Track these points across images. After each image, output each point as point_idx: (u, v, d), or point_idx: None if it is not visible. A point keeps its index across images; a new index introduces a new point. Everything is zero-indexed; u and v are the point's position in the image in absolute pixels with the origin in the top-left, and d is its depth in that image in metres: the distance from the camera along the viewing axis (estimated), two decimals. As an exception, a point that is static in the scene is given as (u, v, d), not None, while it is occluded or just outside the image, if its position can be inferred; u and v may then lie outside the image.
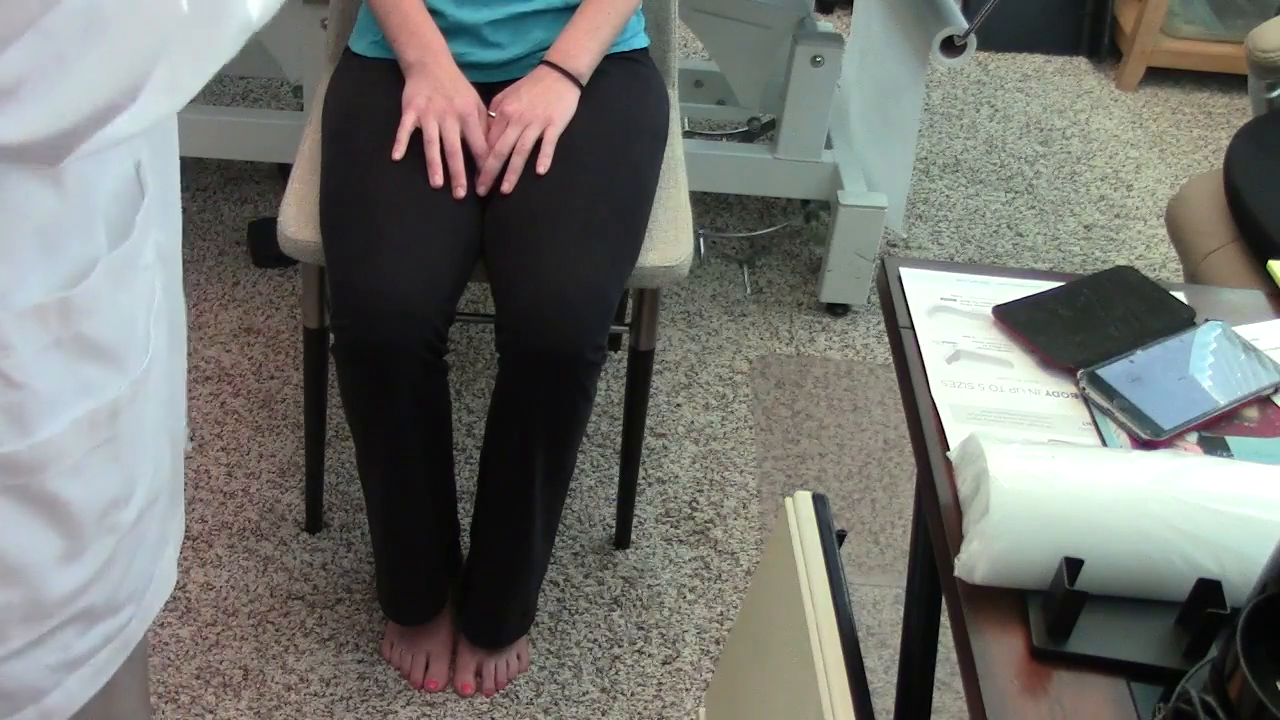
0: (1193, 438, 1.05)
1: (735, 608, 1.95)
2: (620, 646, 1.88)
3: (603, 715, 1.79)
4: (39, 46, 0.61)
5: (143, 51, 0.66)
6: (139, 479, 0.89)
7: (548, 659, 1.86)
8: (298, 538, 1.98)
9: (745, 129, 2.75)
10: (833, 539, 1.22)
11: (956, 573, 0.91)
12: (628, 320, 1.84)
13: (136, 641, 0.95)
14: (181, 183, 0.95)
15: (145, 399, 0.87)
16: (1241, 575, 0.86)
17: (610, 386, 2.29)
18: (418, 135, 1.60)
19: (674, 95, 1.93)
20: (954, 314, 1.15)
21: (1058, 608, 0.87)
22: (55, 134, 0.65)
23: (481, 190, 1.61)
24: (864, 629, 1.92)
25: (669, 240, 1.70)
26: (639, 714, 1.80)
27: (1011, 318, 1.13)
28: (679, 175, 1.81)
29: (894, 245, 2.71)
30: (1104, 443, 1.03)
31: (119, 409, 0.84)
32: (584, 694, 1.82)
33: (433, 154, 1.58)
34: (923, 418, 1.05)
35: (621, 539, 2.02)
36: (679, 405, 2.28)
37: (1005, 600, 0.90)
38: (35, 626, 0.83)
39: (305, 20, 2.24)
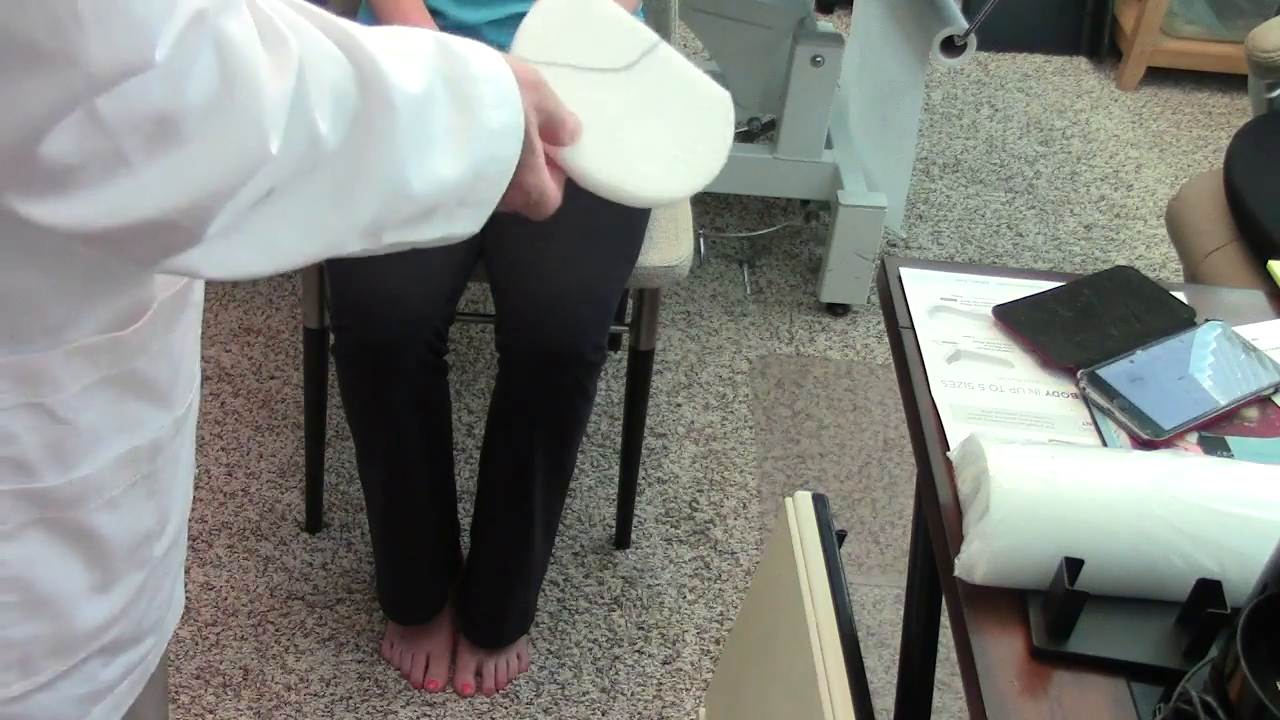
0: (1193, 438, 1.05)
1: (735, 608, 1.95)
2: (620, 646, 1.88)
3: (603, 715, 1.79)
4: (90, 137, 0.60)
5: (213, 178, 0.64)
6: (171, 513, 0.88)
7: (548, 659, 1.86)
8: (298, 538, 1.98)
9: (745, 129, 2.74)
10: (833, 539, 1.22)
11: (956, 573, 0.91)
12: (628, 320, 1.84)
13: (154, 668, 0.95)
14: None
15: (184, 435, 0.87)
16: (1241, 575, 0.86)
17: (610, 386, 2.29)
18: (418, 135, 1.60)
19: (674, 95, 1.92)
20: (954, 314, 1.15)
21: (1058, 608, 0.87)
22: (105, 230, 0.63)
23: (481, 190, 1.61)
24: (864, 629, 1.92)
25: (669, 240, 1.70)
26: (639, 714, 1.80)
27: (1011, 318, 1.13)
28: (679, 175, 1.80)
29: (894, 245, 2.71)
30: (1104, 443, 1.03)
31: (160, 446, 0.83)
32: (584, 694, 1.82)
33: (433, 154, 1.58)
34: (923, 418, 1.05)
35: (621, 539, 2.02)
36: (679, 405, 2.28)
37: (1005, 600, 0.90)
38: (64, 659, 0.83)
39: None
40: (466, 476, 2.06)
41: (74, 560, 0.80)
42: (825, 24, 2.54)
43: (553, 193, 0.88)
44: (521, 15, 1.68)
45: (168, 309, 0.80)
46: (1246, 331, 1.14)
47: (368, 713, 1.77)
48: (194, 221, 0.65)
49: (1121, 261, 2.71)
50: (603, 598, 1.94)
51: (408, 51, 0.74)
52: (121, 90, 0.59)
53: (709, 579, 1.99)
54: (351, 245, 0.75)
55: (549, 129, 0.87)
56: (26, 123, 0.59)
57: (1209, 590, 0.86)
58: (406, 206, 0.76)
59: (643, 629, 1.91)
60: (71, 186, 0.61)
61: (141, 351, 0.78)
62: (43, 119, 0.59)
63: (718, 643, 1.90)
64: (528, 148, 0.83)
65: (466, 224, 0.81)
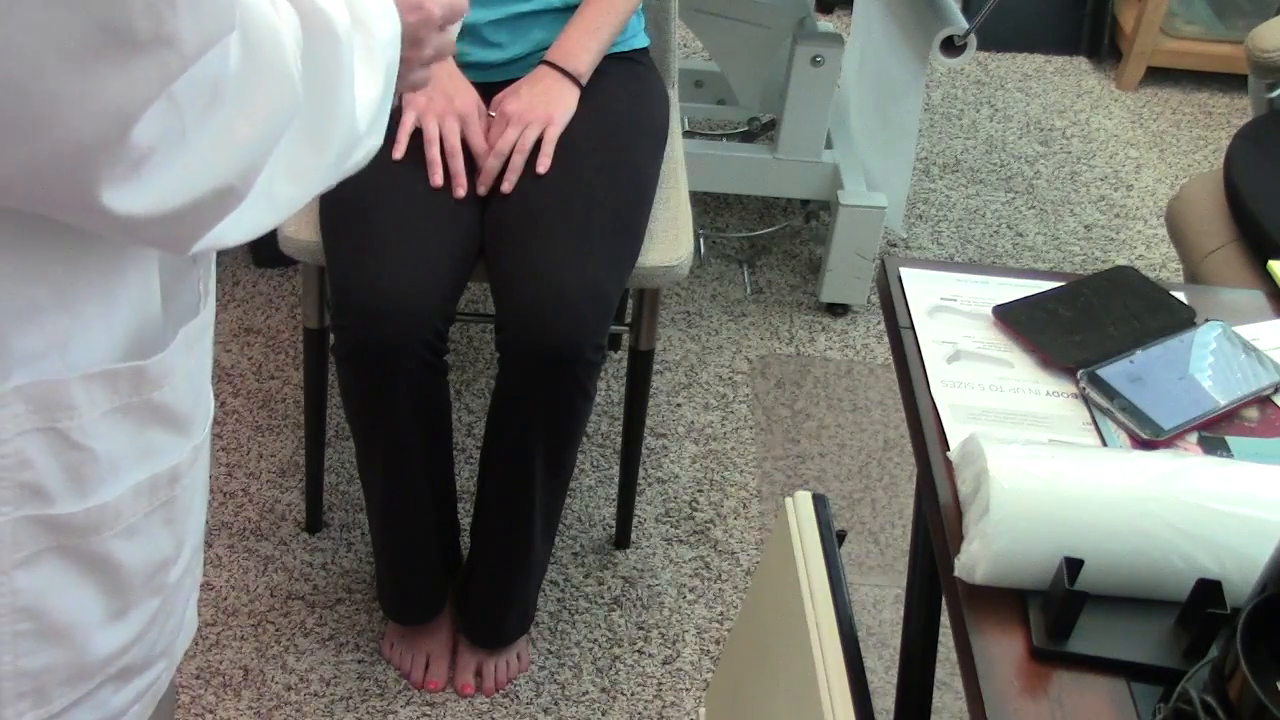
0: (1193, 438, 1.05)
1: (735, 608, 1.95)
2: (620, 646, 1.88)
3: (603, 715, 1.79)
4: (168, 117, 0.60)
5: (258, 135, 0.65)
6: (187, 539, 0.88)
7: (548, 659, 1.86)
8: (298, 538, 1.98)
9: (745, 129, 2.75)
10: (833, 539, 1.22)
11: (956, 573, 0.91)
12: (628, 320, 1.84)
13: (164, 692, 0.94)
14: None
15: (201, 461, 0.87)
16: (1241, 575, 0.86)
17: (610, 386, 2.29)
18: (418, 135, 1.60)
19: (674, 95, 1.93)
20: (954, 314, 1.15)
21: (1058, 608, 0.87)
22: (171, 210, 0.64)
23: (481, 190, 1.61)
24: (864, 629, 1.92)
25: (669, 240, 1.70)
26: (639, 714, 1.80)
27: (1011, 318, 1.13)
28: (679, 175, 1.81)
29: (894, 245, 2.71)
30: (1104, 443, 1.03)
31: (180, 474, 0.83)
32: (584, 694, 1.82)
33: (433, 154, 1.58)
34: (923, 418, 1.05)
35: (621, 539, 2.02)
36: (679, 405, 2.28)
37: (1005, 600, 0.90)
38: (78, 687, 0.82)
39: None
40: (466, 476, 2.06)
41: (89, 588, 0.79)
42: (825, 24, 2.54)
43: (448, 43, 0.90)
44: (522, 15, 1.70)
45: (189, 338, 0.80)
46: (1246, 331, 1.14)
47: (368, 713, 1.77)
48: (246, 182, 0.66)
49: (1121, 261, 2.71)
50: (603, 598, 1.94)
51: None
52: (194, 66, 0.60)
53: (709, 579, 1.99)
54: (328, 182, 0.77)
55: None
56: (122, 110, 0.59)
57: (1209, 590, 0.86)
58: (355, 130, 0.78)
59: (643, 629, 1.91)
60: (145, 171, 0.61)
61: (164, 381, 0.78)
62: (138, 105, 0.59)
63: (718, 643, 1.90)
64: (409, 41, 0.84)
65: (377, 136, 0.83)
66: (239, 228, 0.69)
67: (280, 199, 0.72)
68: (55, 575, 0.77)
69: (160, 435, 0.80)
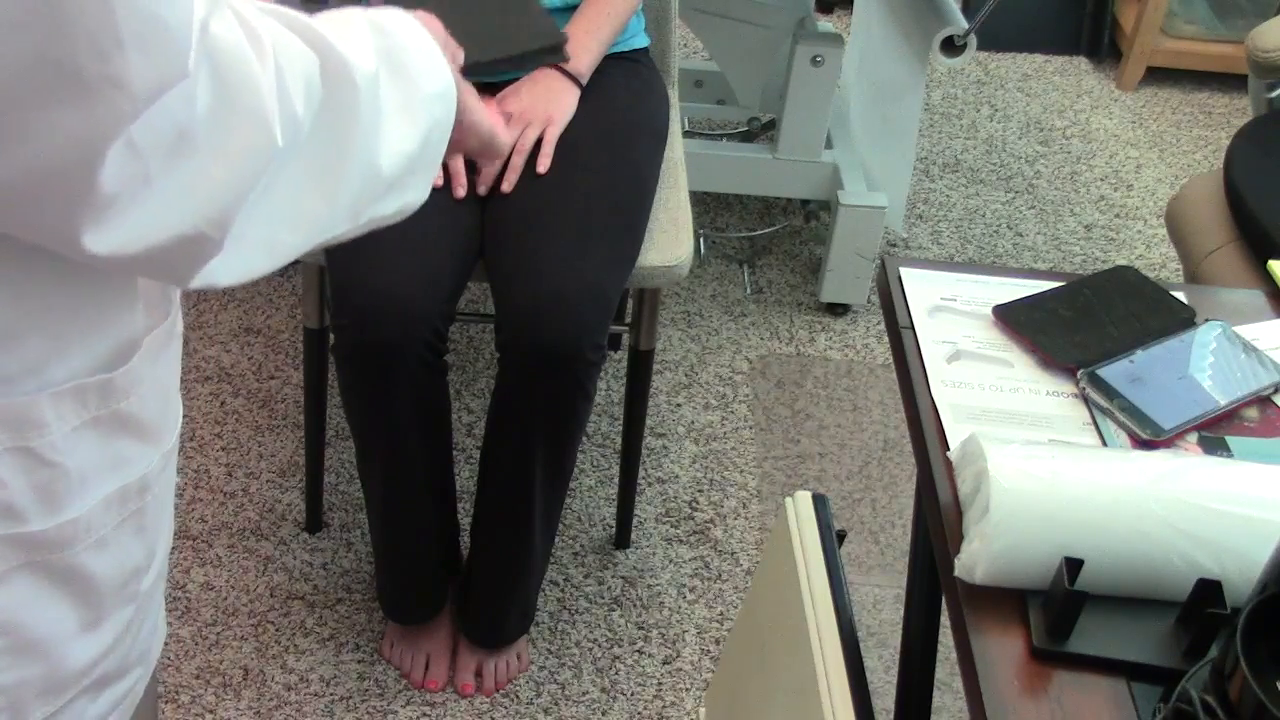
0: (1193, 438, 1.05)
1: (735, 608, 1.95)
2: (620, 646, 1.88)
3: (603, 715, 1.79)
4: (129, 162, 0.60)
5: (230, 181, 0.64)
6: (159, 546, 0.87)
7: (548, 659, 1.86)
8: (298, 538, 1.98)
9: (745, 129, 2.75)
10: (833, 539, 1.22)
11: (956, 573, 0.91)
12: (628, 320, 1.84)
13: (139, 699, 0.94)
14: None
15: (170, 469, 0.86)
16: (1241, 575, 0.86)
17: (610, 386, 2.29)
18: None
19: (674, 95, 1.93)
20: (954, 314, 1.15)
21: (1058, 608, 0.87)
22: (142, 252, 0.63)
23: (481, 190, 1.61)
24: (864, 629, 1.92)
25: (669, 240, 1.70)
26: (639, 714, 1.80)
27: (1011, 318, 1.13)
28: (679, 175, 1.81)
29: (894, 245, 2.71)
30: (1104, 443, 1.03)
31: (149, 483, 0.82)
32: (584, 694, 1.82)
33: (433, 154, 1.58)
34: (923, 418, 1.05)
35: (621, 539, 2.02)
36: (679, 405, 2.28)
37: (1005, 600, 0.90)
38: (54, 700, 0.82)
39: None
40: (466, 476, 2.06)
41: (63, 601, 0.79)
42: (825, 24, 2.54)
43: (501, 129, 0.94)
44: (521, 15, 1.69)
45: (155, 346, 0.79)
46: (1246, 331, 1.14)
47: (368, 713, 1.77)
48: (219, 228, 0.65)
49: (1121, 261, 2.71)
50: (603, 598, 1.94)
51: (351, 33, 0.76)
52: (151, 110, 0.59)
53: (709, 579, 1.99)
54: (338, 229, 0.77)
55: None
56: (83, 147, 0.58)
57: (1209, 590, 0.86)
58: (377, 183, 0.77)
59: (643, 629, 1.91)
60: (112, 214, 0.61)
61: (131, 391, 0.77)
62: (95, 147, 0.58)
63: (718, 643, 1.90)
64: (464, 97, 0.87)
65: (419, 191, 0.83)
66: (231, 271, 0.69)
67: (280, 245, 0.71)
68: (28, 591, 0.76)
69: (129, 445, 0.79)
